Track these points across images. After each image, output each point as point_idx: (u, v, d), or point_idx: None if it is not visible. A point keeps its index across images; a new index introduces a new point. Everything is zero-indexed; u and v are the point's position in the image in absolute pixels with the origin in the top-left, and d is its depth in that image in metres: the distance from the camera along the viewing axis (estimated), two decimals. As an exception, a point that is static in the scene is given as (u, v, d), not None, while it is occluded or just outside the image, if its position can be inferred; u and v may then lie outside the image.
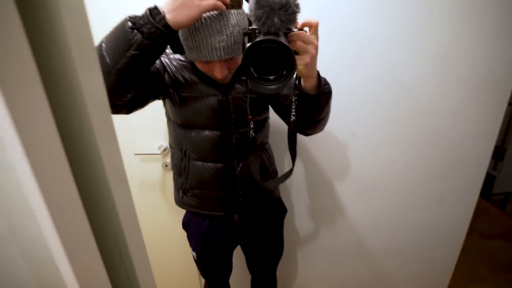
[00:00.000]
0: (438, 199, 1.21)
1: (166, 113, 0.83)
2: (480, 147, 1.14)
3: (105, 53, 0.55)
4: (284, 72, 0.54)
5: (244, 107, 0.75)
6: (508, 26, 0.97)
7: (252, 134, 0.71)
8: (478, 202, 2.39)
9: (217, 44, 0.59)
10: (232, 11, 0.60)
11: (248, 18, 0.64)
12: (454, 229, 1.27)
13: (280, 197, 0.98)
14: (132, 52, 0.54)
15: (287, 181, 1.18)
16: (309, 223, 1.26)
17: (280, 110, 0.81)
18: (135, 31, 0.53)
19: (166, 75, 0.74)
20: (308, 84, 0.63)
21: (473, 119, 1.09)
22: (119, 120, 1.01)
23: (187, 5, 0.52)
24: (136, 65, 0.56)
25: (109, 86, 0.56)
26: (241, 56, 0.66)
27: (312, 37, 0.56)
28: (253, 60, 0.53)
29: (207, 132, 0.76)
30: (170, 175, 1.19)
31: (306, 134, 0.79)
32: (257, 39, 0.53)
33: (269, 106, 0.85)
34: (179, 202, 0.89)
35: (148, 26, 0.52)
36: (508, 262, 1.72)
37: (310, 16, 0.57)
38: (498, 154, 2.88)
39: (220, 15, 0.58)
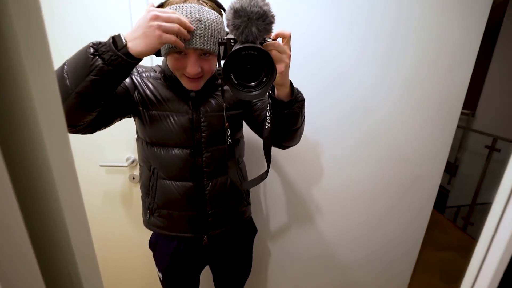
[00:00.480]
0: (397, 215, 1.30)
1: (136, 130, 0.81)
2: (433, 167, 1.25)
3: (65, 75, 0.54)
4: (264, 79, 0.56)
5: (215, 125, 0.76)
6: (457, 62, 1.10)
7: (230, 141, 0.71)
8: (433, 215, 2.57)
9: (194, 31, 0.60)
10: (213, 10, 0.63)
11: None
12: (410, 242, 1.37)
13: (251, 217, 0.97)
14: (92, 77, 0.54)
15: (262, 200, 1.20)
16: (278, 238, 1.28)
17: (255, 126, 0.82)
18: (97, 57, 0.53)
19: (136, 93, 0.72)
20: (281, 93, 0.66)
21: (428, 142, 1.20)
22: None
23: (148, 35, 0.54)
24: (97, 89, 0.56)
25: (68, 107, 0.55)
26: (215, 61, 0.68)
27: (286, 47, 0.59)
28: (233, 67, 0.55)
29: (176, 150, 0.75)
30: (137, 188, 1.15)
31: (283, 147, 0.79)
32: (237, 47, 0.54)
33: (243, 125, 0.86)
34: (146, 223, 0.85)
35: (110, 53, 0.53)
36: (458, 271, 1.87)
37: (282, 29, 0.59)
38: (451, 170, 3.16)
39: (201, 7, 0.61)
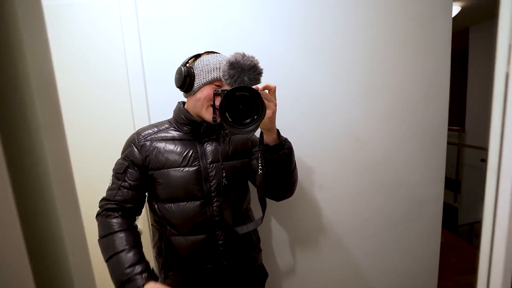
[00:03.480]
0: (405, 242, 1.26)
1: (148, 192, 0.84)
2: (433, 187, 1.26)
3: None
4: (255, 117, 0.62)
5: (222, 173, 0.79)
6: (433, 88, 1.18)
7: (225, 182, 0.77)
8: (447, 236, 2.48)
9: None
10: None
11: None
12: (426, 269, 1.31)
13: (262, 263, 0.96)
14: None
15: (271, 243, 1.17)
16: (288, 279, 1.22)
17: (252, 178, 0.87)
18: None
19: (147, 162, 0.78)
20: (269, 138, 0.72)
21: (423, 163, 1.22)
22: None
23: None
24: None
25: None
26: None
27: (272, 97, 0.68)
28: (228, 106, 0.61)
29: (187, 203, 0.77)
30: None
31: (278, 198, 0.82)
32: (231, 88, 0.61)
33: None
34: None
35: None
36: (485, 296, 1.74)
37: (278, 83, 0.69)
38: (455, 187, 3.14)
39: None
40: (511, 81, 0.37)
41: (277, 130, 0.72)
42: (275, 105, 0.67)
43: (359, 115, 1.14)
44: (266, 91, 0.68)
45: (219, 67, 0.75)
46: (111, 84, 1.06)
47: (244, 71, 0.64)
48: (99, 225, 0.74)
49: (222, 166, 0.77)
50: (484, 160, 2.38)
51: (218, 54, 0.81)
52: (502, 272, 0.36)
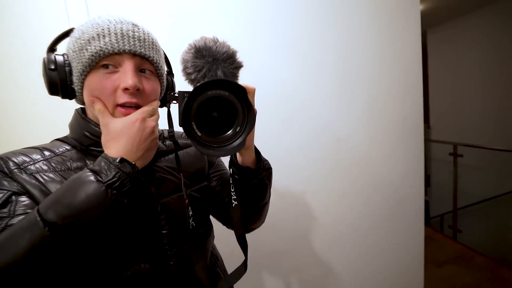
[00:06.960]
0: (390, 240, 1.24)
1: None
2: (414, 184, 1.26)
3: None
4: (238, 128, 0.42)
5: (178, 213, 0.51)
6: (407, 85, 1.20)
7: (193, 224, 0.48)
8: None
9: (130, 32, 0.43)
10: None
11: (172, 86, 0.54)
12: (413, 264, 1.30)
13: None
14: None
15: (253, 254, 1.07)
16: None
17: (216, 208, 0.62)
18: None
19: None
20: (246, 158, 0.51)
21: (402, 160, 1.22)
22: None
23: (152, 147, 0.43)
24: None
25: None
26: (157, 84, 0.48)
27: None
28: (195, 115, 0.39)
29: (125, 273, 0.47)
30: None
31: (248, 230, 0.62)
32: (202, 82, 0.39)
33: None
34: None
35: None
36: (464, 285, 1.80)
37: (248, 82, 0.49)
38: (425, 180, 3.29)
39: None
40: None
41: (255, 148, 0.53)
42: (255, 113, 0.46)
43: (338, 115, 1.12)
44: None
45: (105, 33, 0.42)
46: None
47: (217, 62, 0.45)
48: None
49: (187, 201, 0.48)
50: (452, 154, 2.48)
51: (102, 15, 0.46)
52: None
